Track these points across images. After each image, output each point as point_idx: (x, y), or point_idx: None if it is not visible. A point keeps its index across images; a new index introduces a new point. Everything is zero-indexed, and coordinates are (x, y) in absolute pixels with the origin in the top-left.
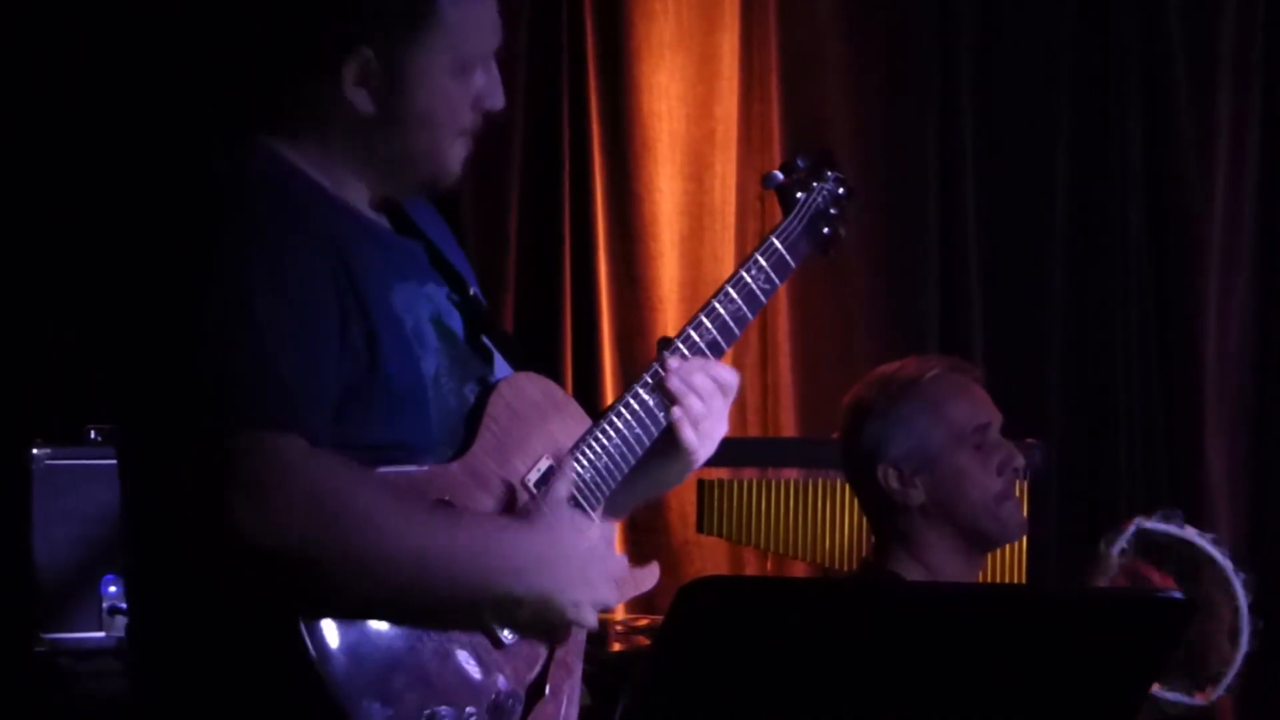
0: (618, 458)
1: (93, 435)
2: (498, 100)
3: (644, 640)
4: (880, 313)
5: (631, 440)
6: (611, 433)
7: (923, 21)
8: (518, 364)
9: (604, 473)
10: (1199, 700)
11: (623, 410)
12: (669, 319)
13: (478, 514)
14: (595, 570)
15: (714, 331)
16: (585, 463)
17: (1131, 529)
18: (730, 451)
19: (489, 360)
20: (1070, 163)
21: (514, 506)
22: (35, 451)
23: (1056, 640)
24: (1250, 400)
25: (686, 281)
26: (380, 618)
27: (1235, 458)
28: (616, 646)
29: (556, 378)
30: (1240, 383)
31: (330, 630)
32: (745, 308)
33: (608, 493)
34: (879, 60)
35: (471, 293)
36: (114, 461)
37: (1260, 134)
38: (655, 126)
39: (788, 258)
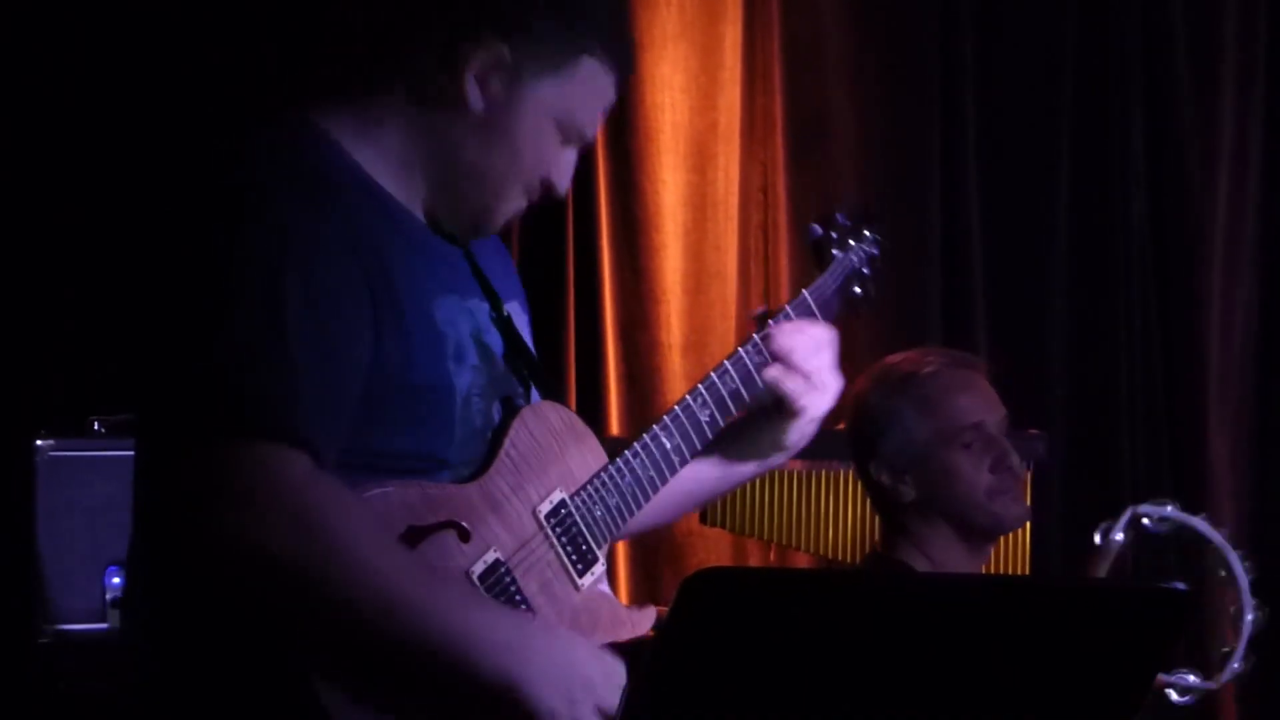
0: (628, 497)
1: (96, 427)
2: (563, 184)
3: (648, 632)
4: (883, 305)
5: (644, 480)
6: (625, 470)
7: (925, 15)
8: (544, 389)
9: (613, 510)
10: (1209, 684)
11: (639, 449)
12: (672, 310)
13: (471, 586)
14: (580, 690)
15: (737, 380)
16: (596, 499)
17: (1127, 515)
18: None
19: (523, 381)
20: (1073, 154)
21: (521, 533)
22: (39, 443)
23: (1062, 631)
24: (1252, 392)
25: (689, 273)
26: (344, 658)
27: (1238, 449)
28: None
29: (559, 370)
30: (1242, 375)
31: None
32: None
33: (616, 530)
34: (882, 53)
35: (506, 311)
36: (117, 453)
37: (1262, 129)
38: (658, 118)
39: (818, 314)
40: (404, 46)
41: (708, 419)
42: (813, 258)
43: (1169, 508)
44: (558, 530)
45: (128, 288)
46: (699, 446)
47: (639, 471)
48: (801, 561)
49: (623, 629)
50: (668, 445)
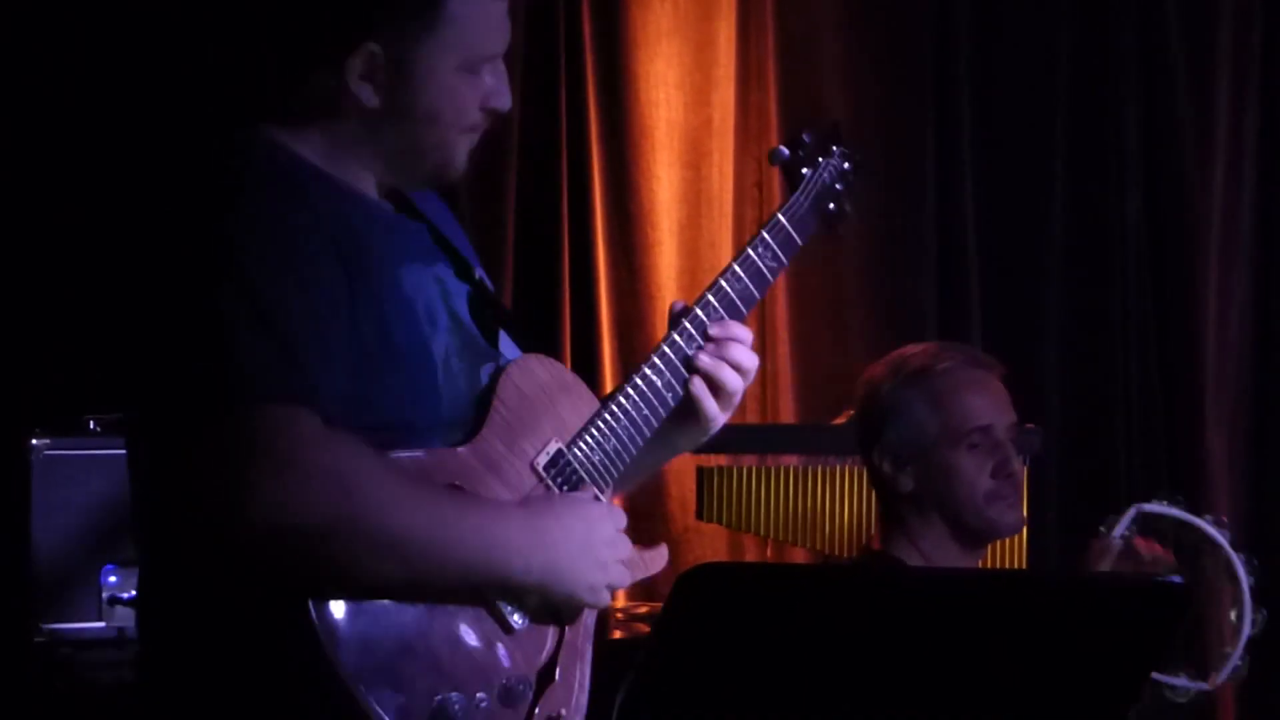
0: (625, 439)
1: (92, 425)
2: (504, 101)
3: (644, 627)
4: (879, 300)
5: (640, 421)
6: (620, 414)
7: (920, 11)
8: (525, 346)
9: (612, 455)
10: (1204, 685)
11: (630, 391)
12: (667, 307)
13: (487, 499)
14: (605, 551)
15: (721, 311)
16: (594, 444)
17: (1131, 513)
18: (729, 438)
19: (495, 342)
20: (1068, 150)
21: (522, 489)
22: (34, 442)
23: (1057, 626)
24: (1249, 389)
25: (685, 269)
26: (392, 596)
27: (1235, 446)
28: (617, 634)
29: None
30: (1239, 372)
31: (340, 615)
32: (752, 287)
33: (617, 474)
34: (876, 48)
35: (478, 275)
36: (113, 452)
37: (1258, 123)
38: (652, 115)
39: (794, 235)
40: (292, 74)
41: (696, 352)
42: (785, 181)
43: (1174, 509)
44: (558, 480)
45: (116, 285)
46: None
47: (633, 413)
48: (798, 557)
49: (636, 570)
50: (659, 383)
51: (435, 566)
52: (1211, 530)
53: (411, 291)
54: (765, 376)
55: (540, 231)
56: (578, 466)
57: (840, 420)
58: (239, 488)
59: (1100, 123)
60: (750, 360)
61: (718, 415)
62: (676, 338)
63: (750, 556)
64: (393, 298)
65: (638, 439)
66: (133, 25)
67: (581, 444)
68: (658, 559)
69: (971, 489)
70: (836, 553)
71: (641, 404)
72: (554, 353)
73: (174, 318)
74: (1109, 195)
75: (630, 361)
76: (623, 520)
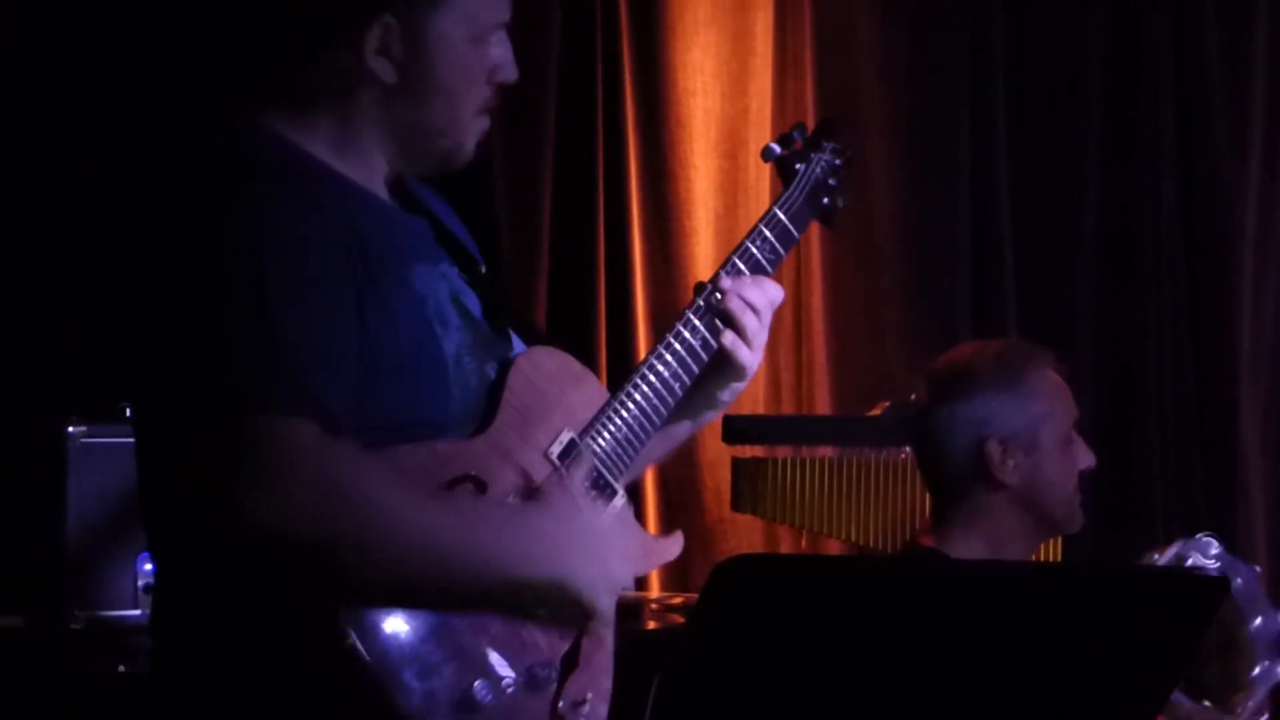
0: (637, 429)
1: (128, 413)
2: (511, 73)
3: (679, 618)
4: (914, 291)
5: (650, 411)
6: (630, 404)
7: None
8: (531, 340)
9: (624, 444)
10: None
11: (640, 382)
12: None
13: (487, 501)
14: (608, 549)
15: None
16: (606, 434)
17: (1171, 553)
18: (765, 429)
19: (506, 338)
20: (1102, 139)
21: (535, 480)
22: (71, 429)
23: (1095, 617)
24: None
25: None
26: (392, 604)
27: (1270, 432)
28: (651, 624)
29: (591, 355)
30: (1274, 361)
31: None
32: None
33: (629, 463)
34: (912, 37)
35: (482, 270)
36: None
37: None
38: (689, 104)
39: (791, 229)
40: (303, 54)
41: (700, 342)
42: (779, 177)
43: (1209, 555)
44: (572, 469)
45: (117, 284)
46: (697, 370)
47: (643, 403)
48: (833, 549)
49: (652, 556)
50: (665, 373)
51: (436, 571)
52: (1241, 588)
53: (422, 290)
54: (800, 367)
55: (576, 220)
56: (591, 455)
57: (876, 412)
58: (228, 497)
59: (1135, 113)
60: (760, 299)
61: (749, 361)
62: (680, 327)
63: (785, 548)
64: (403, 299)
65: (649, 427)
66: (133, 12)
67: (594, 433)
68: (673, 545)
69: (1067, 484)
70: (872, 544)
71: (650, 393)
72: (590, 342)
73: (177, 319)
74: (1144, 186)
75: None
76: (628, 514)
